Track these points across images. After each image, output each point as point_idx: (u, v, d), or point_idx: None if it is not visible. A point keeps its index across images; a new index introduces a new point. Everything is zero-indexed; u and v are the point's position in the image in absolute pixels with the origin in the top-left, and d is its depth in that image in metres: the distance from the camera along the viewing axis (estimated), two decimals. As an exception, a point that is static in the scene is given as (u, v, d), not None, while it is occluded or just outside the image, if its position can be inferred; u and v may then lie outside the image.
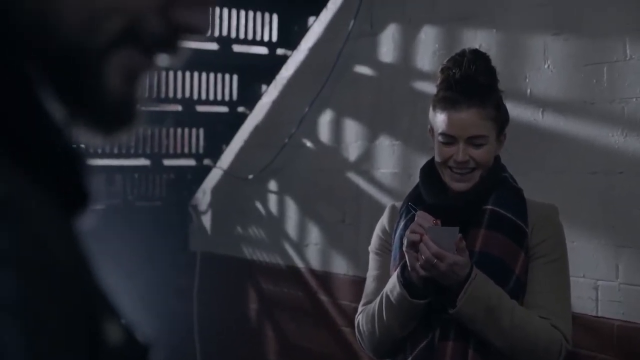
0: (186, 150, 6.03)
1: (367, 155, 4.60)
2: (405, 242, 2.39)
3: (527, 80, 3.70)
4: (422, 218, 2.39)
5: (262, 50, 5.77)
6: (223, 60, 5.67)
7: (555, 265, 2.48)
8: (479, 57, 2.49)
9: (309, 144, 5.00)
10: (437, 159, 2.50)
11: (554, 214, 2.54)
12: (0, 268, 0.52)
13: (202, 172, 5.95)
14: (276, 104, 5.26)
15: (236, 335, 5.60)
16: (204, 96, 5.78)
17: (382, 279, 2.58)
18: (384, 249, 2.64)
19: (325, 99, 4.82)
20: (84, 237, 0.64)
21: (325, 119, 4.88)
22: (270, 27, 5.76)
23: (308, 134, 4.98)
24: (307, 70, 5.01)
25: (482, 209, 2.47)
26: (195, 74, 5.69)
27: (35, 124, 0.62)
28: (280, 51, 5.73)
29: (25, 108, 0.61)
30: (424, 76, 4.17)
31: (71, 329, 0.56)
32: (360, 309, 2.63)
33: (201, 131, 6.04)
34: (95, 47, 0.63)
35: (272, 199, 5.32)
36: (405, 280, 2.40)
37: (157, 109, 5.54)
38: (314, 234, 4.97)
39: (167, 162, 5.96)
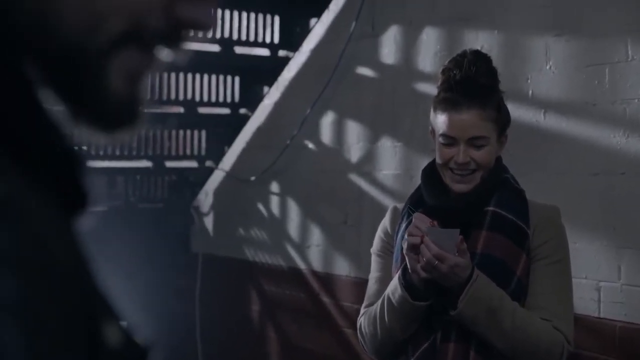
0: (188, 152, 6.03)
1: (369, 157, 4.60)
2: (405, 245, 2.38)
3: (529, 81, 3.70)
4: (420, 220, 2.39)
5: (264, 51, 5.78)
6: (225, 62, 5.68)
7: (557, 267, 2.48)
8: (480, 58, 2.49)
9: (310, 145, 5.00)
10: (438, 160, 2.49)
11: (556, 215, 2.54)
12: (1, 270, 0.52)
13: (204, 174, 5.95)
14: (278, 106, 5.26)
15: (238, 337, 5.60)
16: (205, 98, 5.78)
17: (384, 281, 2.58)
18: (386, 250, 2.64)
19: (327, 100, 4.82)
20: (84, 237, 0.64)
21: (327, 121, 4.88)
22: (272, 28, 5.76)
23: (310, 135, 4.98)
24: (308, 72, 5.01)
25: (483, 210, 2.47)
26: (197, 76, 5.69)
27: (35, 124, 0.62)
28: (282, 53, 5.73)
29: (25, 108, 0.61)
30: (426, 77, 4.17)
31: (70, 330, 0.56)
32: (362, 311, 2.63)
33: (203, 133, 6.04)
34: (97, 47, 0.63)
35: (274, 201, 5.32)
36: (406, 283, 2.40)
37: (159, 110, 5.55)
38: (316, 236, 4.96)
39: (169, 164, 5.96)
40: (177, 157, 5.99)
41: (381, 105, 4.53)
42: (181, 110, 5.70)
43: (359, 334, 2.62)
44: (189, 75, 5.64)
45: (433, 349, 2.42)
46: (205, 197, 5.92)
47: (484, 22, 3.93)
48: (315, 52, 4.96)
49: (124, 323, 0.66)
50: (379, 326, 2.49)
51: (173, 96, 5.60)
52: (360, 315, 2.62)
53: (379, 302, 2.51)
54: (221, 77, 5.84)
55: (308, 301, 5.01)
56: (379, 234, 2.69)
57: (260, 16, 5.70)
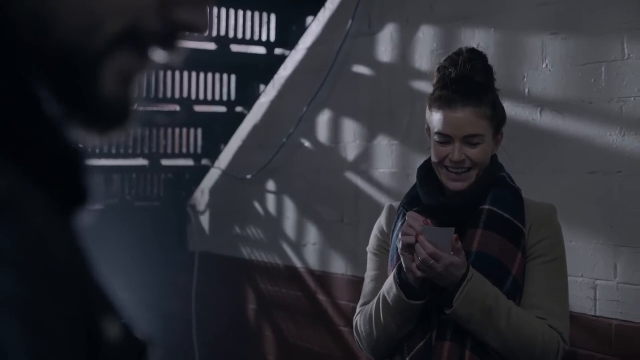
0: (184, 150, 6.02)
1: (366, 155, 4.60)
2: (399, 244, 2.38)
3: (525, 79, 3.69)
4: (413, 219, 2.39)
5: (260, 50, 5.77)
6: (221, 60, 5.68)
7: (552, 265, 2.48)
8: (475, 56, 2.49)
9: (307, 143, 5.00)
10: (434, 158, 2.49)
11: (552, 214, 2.54)
12: (2, 267, 0.52)
13: (200, 172, 5.95)
14: (274, 104, 5.25)
15: (234, 335, 5.60)
16: (201, 96, 5.78)
17: (380, 280, 2.58)
18: (382, 249, 2.64)
19: (323, 98, 4.82)
20: (83, 235, 0.65)
21: (323, 119, 4.88)
22: (268, 26, 5.76)
23: (306, 133, 4.98)
24: (305, 70, 5.00)
25: (479, 208, 2.47)
26: (193, 74, 5.69)
27: (34, 123, 0.62)
28: (278, 51, 5.73)
29: (24, 108, 0.61)
30: (422, 76, 4.17)
31: (70, 326, 0.56)
32: (358, 309, 2.63)
33: (199, 131, 6.04)
34: (93, 48, 0.63)
35: (270, 199, 5.32)
36: (401, 281, 2.40)
37: (154, 108, 5.54)
38: (312, 234, 4.96)
39: (165, 162, 5.96)
40: (173, 155, 5.99)
41: (377, 104, 4.53)
42: (177, 108, 5.70)
43: (354, 333, 2.62)
44: (185, 73, 5.64)
45: (428, 347, 2.42)
46: (201, 195, 5.92)
47: (481, 21, 3.92)
48: (312, 50, 4.96)
49: (123, 319, 0.66)
50: (374, 325, 2.49)
51: (169, 94, 5.60)
52: (356, 314, 2.62)
53: (375, 300, 2.51)
54: (217, 75, 5.84)
55: (304, 299, 5.01)
56: (374, 232, 2.69)
57: (257, 14, 5.70)
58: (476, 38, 3.90)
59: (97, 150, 5.36)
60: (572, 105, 3.52)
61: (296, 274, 5.06)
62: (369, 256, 2.69)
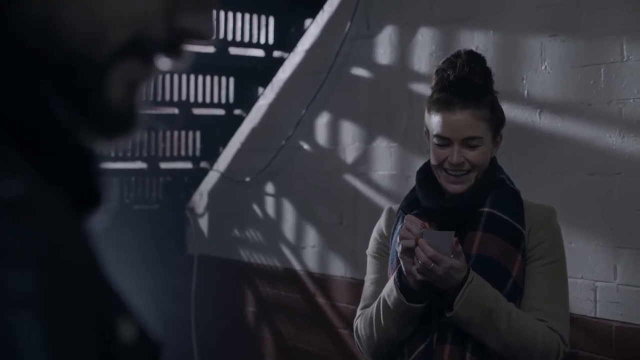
0: (183, 153, 6.02)
1: (364, 157, 4.60)
2: (399, 247, 2.38)
3: (524, 81, 3.69)
4: (411, 222, 2.38)
5: (259, 52, 5.77)
6: (219, 62, 5.67)
7: (552, 267, 2.47)
8: (474, 58, 2.49)
9: (305, 146, 5.00)
10: (433, 161, 2.49)
11: (552, 216, 2.53)
12: (18, 265, 0.53)
13: (198, 175, 5.94)
14: (273, 107, 5.25)
15: (234, 338, 5.59)
16: (200, 99, 5.78)
17: (380, 283, 2.57)
18: (382, 252, 2.63)
19: (322, 101, 4.81)
20: (96, 236, 0.65)
21: (322, 121, 4.88)
22: (266, 29, 5.76)
23: (305, 136, 4.97)
24: (303, 73, 5.00)
25: (478, 211, 2.47)
26: (192, 77, 5.69)
27: (48, 126, 0.63)
28: (276, 53, 5.73)
29: (37, 111, 0.62)
30: (421, 78, 4.17)
31: (87, 324, 0.57)
32: (358, 312, 2.62)
33: (198, 134, 6.03)
34: (99, 57, 0.63)
35: (269, 202, 5.32)
36: (402, 285, 2.39)
37: (153, 112, 5.54)
38: (312, 236, 4.96)
39: (164, 165, 5.95)
40: (172, 158, 5.98)
41: (376, 106, 4.52)
42: (176, 111, 5.69)
43: (355, 336, 2.61)
44: (184, 76, 5.63)
45: (429, 350, 2.42)
46: (200, 198, 5.91)
47: (480, 23, 3.92)
48: (310, 52, 4.95)
49: (137, 319, 0.66)
50: (375, 328, 2.49)
51: (167, 97, 5.59)
52: (356, 317, 2.62)
53: (375, 304, 2.50)
54: (216, 78, 5.84)
55: (303, 302, 5.01)
56: (374, 235, 2.69)
57: (255, 17, 5.70)
58: (475, 40, 3.90)
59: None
60: (572, 107, 3.51)
61: (295, 276, 5.06)
62: (369, 259, 2.68)
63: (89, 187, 0.68)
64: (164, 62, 0.69)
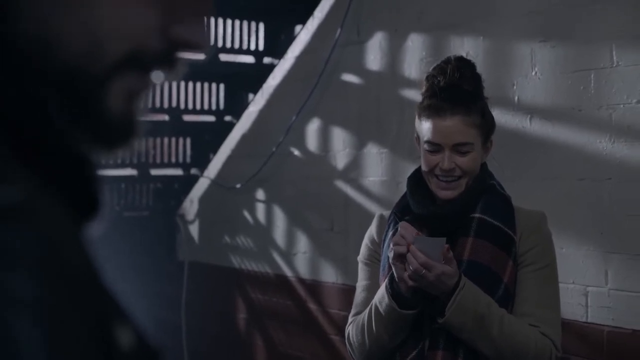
0: (173, 159, 6.02)
1: (355, 163, 4.60)
2: (391, 254, 2.38)
3: (515, 87, 3.70)
4: (405, 229, 2.38)
5: (249, 59, 5.78)
6: (210, 69, 5.67)
7: (544, 273, 2.48)
8: (464, 65, 2.49)
9: (296, 152, 5.00)
10: (424, 167, 2.49)
11: (542, 221, 2.54)
12: (19, 269, 0.54)
13: (189, 182, 5.94)
14: (263, 113, 5.25)
15: (225, 345, 5.59)
16: (190, 105, 5.78)
17: (371, 289, 2.57)
18: (373, 259, 2.63)
19: (313, 107, 4.81)
20: (94, 242, 0.67)
21: (312, 128, 4.88)
22: (256, 35, 5.77)
23: (295, 142, 4.97)
24: (294, 79, 5.00)
25: (469, 217, 2.47)
26: (182, 84, 5.69)
27: (48, 134, 0.64)
28: (267, 60, 5.74)
29: (37, 119, 0.63)
30: (411, 84, 4.17)
31: (86, 328, 0.57)
32: (350, 319, 2.62)
33: (188, 140, 6.03)
34: (97, 71, 0.64)
35: (260, 208, 5.31)
36: (393, 291, 2.39)
37: (144, 118, 5.52)
38: (303, 243, 4.96)
39: (154, 172, 5.95)
40: (162, 165, 5.98)
41: (367, 112, 4.53)
42: (166, 117, 5.69)
43: (347, 343, 2.61)
44: (174, 83, 5.63)
45: (421, 356, 2.42)
46: (191, 205, 5.91)
47: (470, 29, 3.93)
48: (301, 59, 4.96)
49: (136, 325, 0.67)
50: (367, 335, 2.48)
51: (158, 104, 5.59)
52: (348, 324, 2.61)
53: (367, 310, 2.50)
54: (206, 85, 5.84)
55: (295, 308, 5.00)
56: (365, 242, 2.69)
57: (245, 23, 5.70)
58: (465, 46, 3.90)
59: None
60: (562, 113, 3.52)
61: (286, 282, 5.05)
62: (360, 266, 2.68)
63: (88, 193, 0.68)
64: (160, 73, 0.70)
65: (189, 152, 6.04)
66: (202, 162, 5.88)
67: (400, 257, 2.34)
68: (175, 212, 6.00)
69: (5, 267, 0.53)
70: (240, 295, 5.47)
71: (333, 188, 4.72)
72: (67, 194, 0.65)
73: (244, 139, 5.41)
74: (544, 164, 3.59)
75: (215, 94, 5.89)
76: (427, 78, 2.52)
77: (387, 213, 2.66)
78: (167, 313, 5.94)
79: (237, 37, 5.66)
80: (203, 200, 5.81)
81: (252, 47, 5.75)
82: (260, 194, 5.29)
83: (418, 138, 2.53)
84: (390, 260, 2.38)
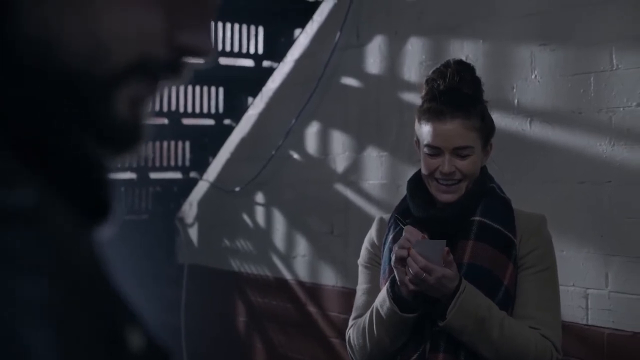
0: (172, 163, 6.02)
1: (355, 167, 4.60)
2: (393, 257, 2.38)
3: (515, 90, 3.70)
4: (410, 233, 2.38)
5: (248, 62, 5.78)
6: (209, 72, 5.66)
7: (544, 275, 2.48)
8: (463, 68, 2.50)
9: (296, 155, 5.00)
10: (424, 170, 2.49)
11: (543, 224, 2.54)
12: (29, 274, 0.53)
13: (188, 185, 5.94)
14: (263, 116, 5.25)
15: (224, 348, 5.58)
16: (190, 109, 5.77)
17: (372, 293, 2.57)
18: (373, 262, 2.63)
19: (312, 110, 4.82)
20: (103, 246, 0.66)
21: (312, 131, 4.88)
22: (256, 39, 5.77)
23: (295, 145, 4.97)
24: (293, 82, 5.00)
25: (469, 220, 2.47)
26: (181, 87, 5.68)
27: (51, 136, 0.63)
28: (266, 63, 5.74)
29: (46, 125, 0.63)
30: (411, 87, 4.17)
31: (96, 331, 0.57)
32: (350, 322, 2.62)
33: (187, 144, 6.03)
34: (102, 77, 0.64)
35: (260, 211, 5.31)
36: (394, 295, 2.39)
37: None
38: (302, 246, 4.96)
39: (154, 175, 5.95)
40: (162, 169, 5.98)
41: (366, 115, 4.53)
42: (165, 121, 5.69)
43: (347, 346, 2.61)
44: (173, 87, 5.62)
45: (422, 359, 2.42)
46: (190, 208, 5.91)
47: (469, 32, 3.93)
48: (300, 62, 4.96)
49: (146, 328, 0.67)
50: (368, 338, 2.48)
51: (157, 107, 5.59)
52: (349, 327, 2.61)
53: (368, 314, 2.50)
54: (205, 88, 5.83)
55: (294, 311, 5.00)
56: (365, 245, 2.69)
57: (245, 27, 5.70)
58: (465, 50, 3.91)
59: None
60: (562, 116, 3.53)
61: (286, 285, 5.05)
62: (361, 269, 2.68)
63: (98, 198, 0.68)
64: (165, 79, 0.70)
65: (188, 155, 6.04)
66: (201, 165, 5.88)
67: (402, 261, 2.35)
68: (175, 215, 6.00)
69: (14, 270, 0.53)
70: (240, 298, 5.47)
71: (333, 191, 4.72)
72: (77, 199, 0.65)
73: (244, 142, 5.41)
74: (544, 167, 3.59)
75: (215, 97, 5.89)
76: (427, 81, 2.52)
77: (387, 216, 2.66)
78: (167, 316, 5.94)
79: (236, 40, 5.66)
80: (202, 203, 5.81)
81: (252, 51, 5.75)
82: (259, 197, 5.29)
83: (418, 141, 2.53)
84: (392, 264, 2.38)
